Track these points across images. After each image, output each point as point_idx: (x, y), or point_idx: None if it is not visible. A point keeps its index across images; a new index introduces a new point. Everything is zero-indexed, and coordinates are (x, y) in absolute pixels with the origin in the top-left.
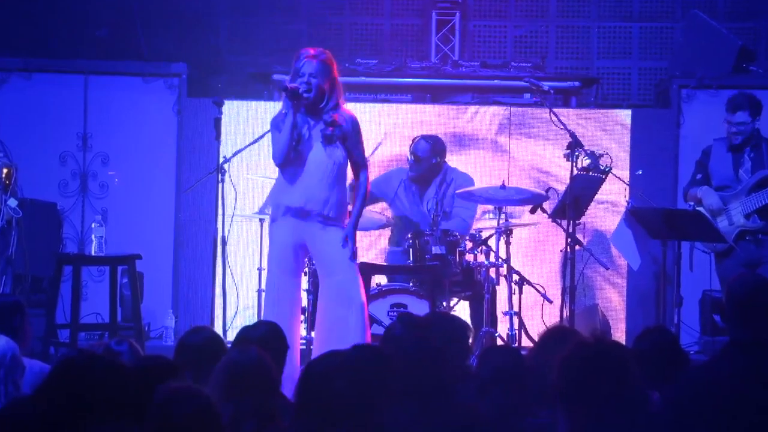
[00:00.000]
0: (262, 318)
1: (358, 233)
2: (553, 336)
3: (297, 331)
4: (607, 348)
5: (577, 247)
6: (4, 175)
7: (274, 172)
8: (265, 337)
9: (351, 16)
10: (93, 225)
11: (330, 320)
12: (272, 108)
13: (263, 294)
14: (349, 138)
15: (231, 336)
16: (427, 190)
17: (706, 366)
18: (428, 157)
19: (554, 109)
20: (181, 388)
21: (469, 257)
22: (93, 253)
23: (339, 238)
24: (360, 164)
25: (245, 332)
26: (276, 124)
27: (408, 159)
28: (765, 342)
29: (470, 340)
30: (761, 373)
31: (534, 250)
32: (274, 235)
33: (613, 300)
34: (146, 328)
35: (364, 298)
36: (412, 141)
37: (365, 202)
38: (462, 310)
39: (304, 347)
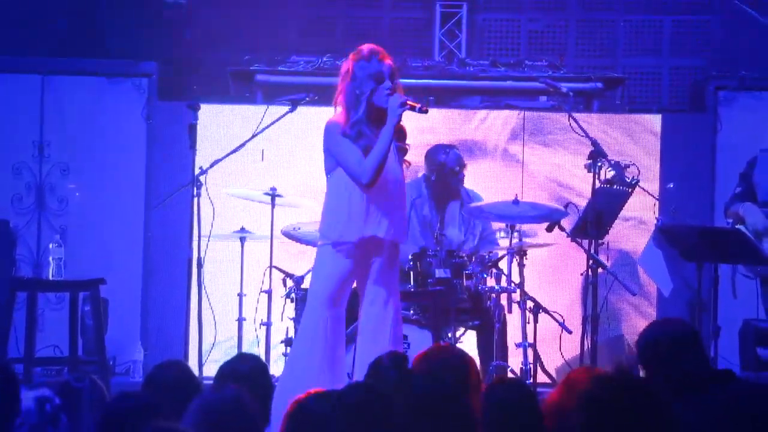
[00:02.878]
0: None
1: None
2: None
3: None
4: (634, 385)
5: (599, 270)
6: None
7: (259, 184)
8: (251, 374)
9: (345, 9)
10: (51, 245)
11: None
12: (255, 112)
13: (244, 323)
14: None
15: (207, 371)
16: (445, 212)
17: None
18: (462, 167)
19: (574, 114)
20: (163, 428)
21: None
22: (50, 278)
23: (396, 263)
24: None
25: (227, 368)
26: (344, 134)
27: (433, 173)
28: None
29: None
30: None
31: (551, 273)
32: (332, 261)
33: (641, 330)
34: (111, 363)
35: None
36: (445, 153)
37: None
38: (469, 341)
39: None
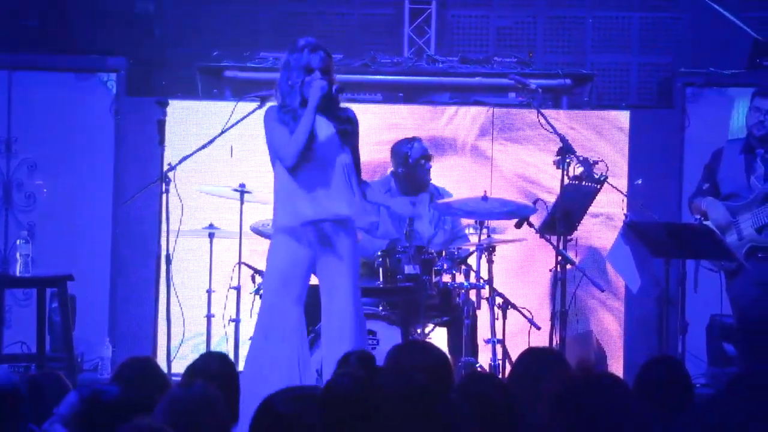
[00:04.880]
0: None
1: None
2: (530, 362)
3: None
4: (603, 383)
5: (568, 266)
6: None
7: (227, 181)
8: (219, 372)
9: (316, 5)
10: (18, 242)
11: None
12: (224, 108)
13: (213, 320)
14: (355, 138)
15: (176, 367)
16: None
17: (709, 405)
18: (428, 159)
19: (543, 110)
20: (143, 426)
21: (447, 278)
22: (18, 274)
23: (353, 250)
24: (359, 170)
25: (195, 366)
26: (280, 119)
27: (400, 166)
28: None
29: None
30: None
31: (520, 269)
32: (283, 250)
33: (609, 326)
34: (79, 359)
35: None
36: (409, 144)
37: None
38: (439, 337)
39: None
